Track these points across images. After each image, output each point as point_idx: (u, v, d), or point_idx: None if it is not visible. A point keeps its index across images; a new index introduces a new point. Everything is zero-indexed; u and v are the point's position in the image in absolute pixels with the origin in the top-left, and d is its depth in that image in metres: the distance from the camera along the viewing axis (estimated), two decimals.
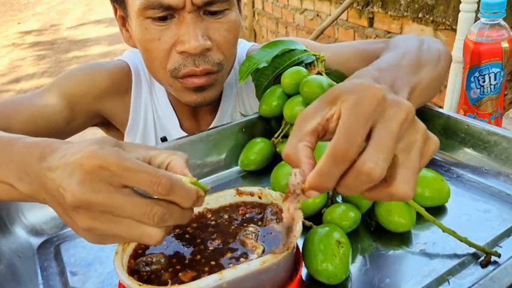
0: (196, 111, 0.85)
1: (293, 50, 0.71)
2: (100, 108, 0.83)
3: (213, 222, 0.47)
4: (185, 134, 0.82)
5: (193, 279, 0.39)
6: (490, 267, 0.45)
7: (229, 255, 0.42)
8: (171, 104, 0.85)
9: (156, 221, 0.36)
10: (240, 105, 0.89)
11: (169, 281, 0.39)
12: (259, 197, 0.48)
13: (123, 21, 0.78)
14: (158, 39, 0.70)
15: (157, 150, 0.41)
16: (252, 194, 0.49)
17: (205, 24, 0.70)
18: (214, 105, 0.85)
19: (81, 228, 0.38)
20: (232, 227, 0.46)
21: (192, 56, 0.70)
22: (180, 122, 0.86)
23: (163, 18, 0.69)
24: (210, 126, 0.84)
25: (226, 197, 0.49)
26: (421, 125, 0.36)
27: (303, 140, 0.36)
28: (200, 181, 0.40)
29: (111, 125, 0.87)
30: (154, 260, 0.41)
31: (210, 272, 0.39)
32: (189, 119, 0.86)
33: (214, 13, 0.70)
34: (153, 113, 0.86)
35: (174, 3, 0.66)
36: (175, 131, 0.85)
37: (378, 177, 0.33)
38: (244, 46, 0.91)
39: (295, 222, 0.38)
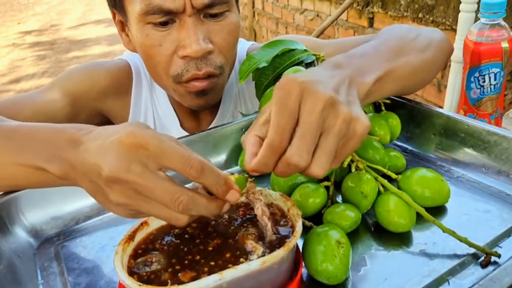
0: (196, 111, 0.85)
1: (293, 49, 0.71)
2: (101, 106, 0.83)
3: (212, 222, 0.47)
4: (185, 134, 0.82)
5: (193, 279, 0.39)
6: (490, 268, 0.44)
7: (229, 255, 0.42)
8: (171, 104, 0.85)
9: (180, 209, 0.38)
10: (241, 104, 0.89)
11: (169, 281, 0.39)
12: None
13: (122, 25, 0.77)
14: (160, 45, 0.70)
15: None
16: None
17: (206, 27, 0.70)
18: (214, 105, 0.85)
19: (115, 203, 0.39)
20: (232, 227, 0.46)
21: (194, 60, 0.70)
22: (181, 121, 0.86)
23: (164, 24, 0.68)
24: (211, 126, 0.84)
25: None
26: (342, 110, 0.40)
27: (255, 130, 0.43)
28: None
29: (112, 124, 0.87)
30: (154, 260, 0.41)
31: (210, 272, 0.39)
32: (189, 119, 0.86)
33: (214, 15, 0.70)
34: (153, 113, 0.86)
35: (174, 7, 0.66)
36: (175, 131, 0.85)
37: (304, 166, 0.40)
38: (244, 45, 0.91)
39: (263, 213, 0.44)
